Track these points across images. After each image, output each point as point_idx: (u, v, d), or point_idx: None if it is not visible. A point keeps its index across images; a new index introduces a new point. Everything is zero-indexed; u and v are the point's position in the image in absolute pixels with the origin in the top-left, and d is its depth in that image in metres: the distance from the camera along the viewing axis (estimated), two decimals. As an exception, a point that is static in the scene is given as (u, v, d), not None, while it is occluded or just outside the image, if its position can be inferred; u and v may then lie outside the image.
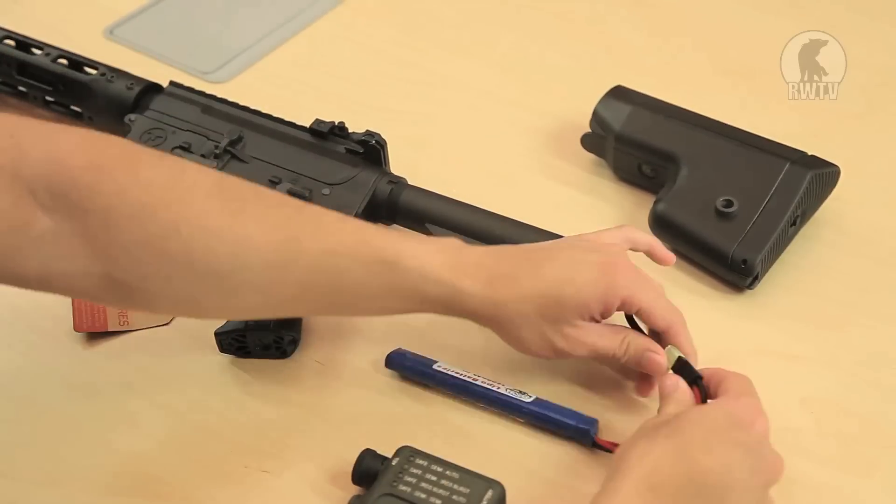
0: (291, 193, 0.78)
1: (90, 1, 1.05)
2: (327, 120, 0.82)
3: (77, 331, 0.75)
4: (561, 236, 0.76)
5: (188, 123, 0.84)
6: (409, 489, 0.63)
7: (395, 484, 0.63)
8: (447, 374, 0.72)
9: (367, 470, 0.65)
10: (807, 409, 0.72)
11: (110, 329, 0.75)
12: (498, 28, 1.03)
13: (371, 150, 0.81)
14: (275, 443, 0.70)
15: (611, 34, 1.02)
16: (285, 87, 0.97)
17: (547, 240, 0.74)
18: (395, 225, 0.81)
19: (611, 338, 0.68)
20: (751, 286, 0.78)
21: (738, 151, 0.81)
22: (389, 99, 0.96)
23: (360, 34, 1.03)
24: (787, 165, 0.80)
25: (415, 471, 0.64)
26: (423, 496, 0.62)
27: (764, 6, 1.04)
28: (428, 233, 0.79)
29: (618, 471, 0.58)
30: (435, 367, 0.72)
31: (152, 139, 0.83)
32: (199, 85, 0.89)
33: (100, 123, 0.89)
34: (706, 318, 0.77)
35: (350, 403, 0.73)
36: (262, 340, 0.74)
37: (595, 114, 0.86)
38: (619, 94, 0.86)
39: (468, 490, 0.63)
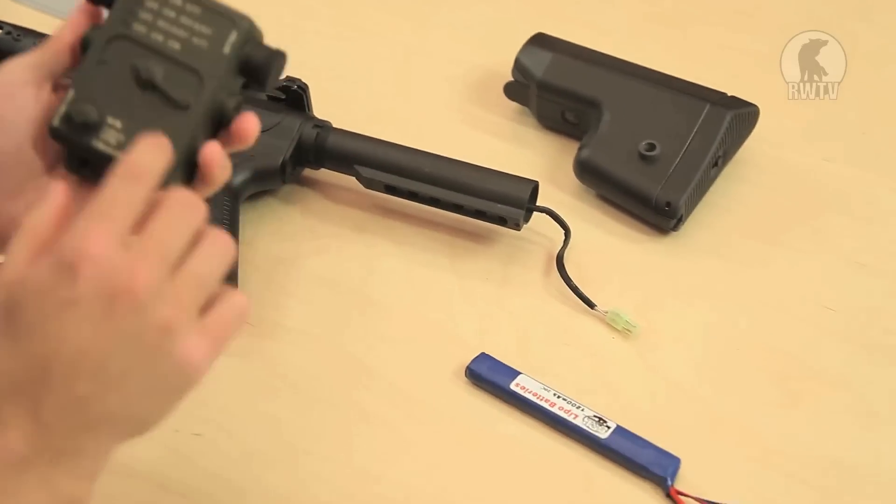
0: None
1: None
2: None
3: None
4: (493, 171, 0.78)
5: None
6: (144, 29, 0.54)
7: (128, 21, 0.54)
8: (524, 395, 0.70)
9: None
10: (731, 346, 0.74)
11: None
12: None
13: (293, 95, 0.81)
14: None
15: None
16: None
17: (477, 173, 0.77)
18: (323, 169, 0.81)
19: None
20: (675, 228, 0.79)
21: (660, 95, 0.82)
22: (308, 51, 0.94)
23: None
24: (708, 107, 0.81)
25: (151, 4, 0.54)
26: (159, 38, 0.53)
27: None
28: (357, 175, 0.79)
29: None
30: (513, 384, 0.70)
31: None
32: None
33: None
34: (633, 261, 0.79)
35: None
36: None
37: (517, 62, 0.86)
38: (540, 41, 0.86)
39: (210, 30, 0.54)
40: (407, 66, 0.93)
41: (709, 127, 0.80)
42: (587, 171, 0.81)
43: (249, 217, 0.80)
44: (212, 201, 0.76)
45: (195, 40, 0.53)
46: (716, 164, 0.80)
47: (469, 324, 0.75)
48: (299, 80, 0.81)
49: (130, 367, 0.46)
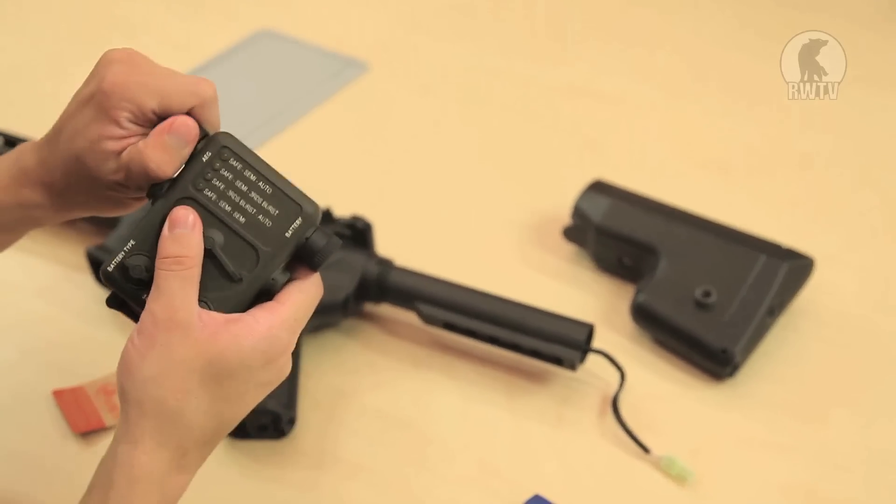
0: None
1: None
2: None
3: (76, 432, 0.76)
4: (550, 313, 0.79)
5: None
6: (213, 196, 0.56)
7: (199, 186, 0.56)
8: None
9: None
10: (787, 498, 0.73)
11: (107, 425, 0.76)
12: (485, 125, 1.06)
13: (357, 234, 0.84)
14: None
15: (591, 131, 1.05)
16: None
17: (534, 314, 0.79)
18: (384, 304, 0.84)
19: None
20: (731, 375, 0.80)
21: (716, 244, 0.84)
22: (373, 190, 0.98)
23: (346, 131, 1.05)
24: (763, 258, 0.82)
25: (226, 173, 0.56)
26: (227, 208, 0.56)
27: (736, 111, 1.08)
28: (418, 311, 0.81)
29: (147, 422, 0.54)
30: None
31: None
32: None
33: (89, 217, 0.90)
34: (688, 407, 0.79)
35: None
36: (259, 421, 0.74)
37: (576, 207, 0.88)
38: (599, 187, 0.89)
39: (277, 211, 0.56)
40: (468, 207, 0.96)
41: (764, 277, 0.81)
42: (643, 316, 0.83)
43: (311, 349, 0.82)
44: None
45: (261, 218, 0.56)
46: (771, 313, 0.81)
47: (523, 464, 0.76)
48: (364, 218, 0.84)
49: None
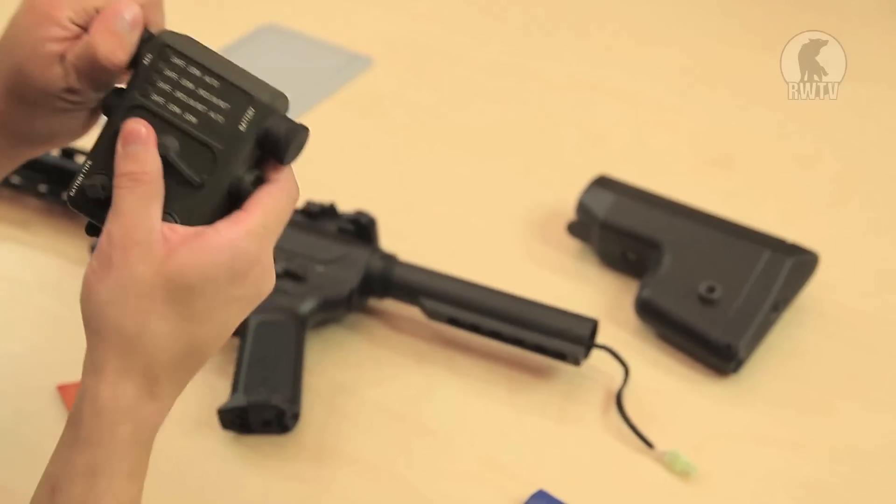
0: (287, 272, 0.81)
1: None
2: (319, 200, 0.85)
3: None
4: (554, 308, 0.79)
5: None
6: (161, 99, 0.52)
7: (146, 92, 0.53)
8: None
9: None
10: (791, 493, 0.73)
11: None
12: (489, 120, 1.06)
13: (361, 229, 0.84)
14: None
15: (595, 127, 1.05)
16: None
17: (538, 309, 0.78)
18: (387, 299, 0.84)
19: None
20: (735, 370, 0.80)
21: (720, 239, 0.84)
22: (376, 185, 0.98)
23: (350, 127, 1.05)
24: (767, 253, 0.82)
25: (170, 73, 0.52)
26: (177, 110, 0.52)
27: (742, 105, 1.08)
28: (422, 306, 0.81)
29: (107, 351, 0.51)
30: None
31: None
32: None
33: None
34: (692, 402, 0.79)
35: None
36: (263, 416, 0.75)
37: (580, 202, 0.88)
38: (603, 182, 0.89)
39: (228, 105, 0.52)
40: (473, 202, 0.96)
41: (768, 273, 0.81)
42: (648, 311, 0.82)
43: (315, 344, 0.82)
44: (279, 329, 0.79)
45: (212, 115, 0.52)
46: (775, 308, 0.81)
47: (527, 459, 0.76)
48: (368, 213, 0.85)
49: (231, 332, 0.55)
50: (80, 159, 0.90)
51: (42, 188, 0.91)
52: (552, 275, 0.89)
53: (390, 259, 0.83)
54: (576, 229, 0.89)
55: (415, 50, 1.13)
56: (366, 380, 0.81)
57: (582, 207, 0.88)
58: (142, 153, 0.52)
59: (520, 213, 0.94)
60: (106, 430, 0.51)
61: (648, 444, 0.76)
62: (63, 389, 0.78)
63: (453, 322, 0.82)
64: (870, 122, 1.03)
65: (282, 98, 0.54)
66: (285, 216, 0.54)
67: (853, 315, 0.85)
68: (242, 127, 0.52)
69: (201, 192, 0.52)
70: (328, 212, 0.85)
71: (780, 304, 0.82)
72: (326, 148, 1.03)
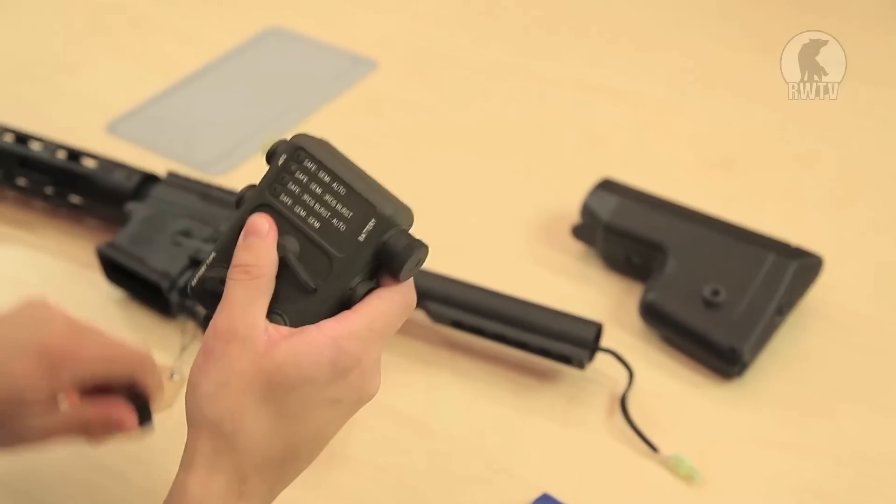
0: None
1: (92, 98, 1.07)
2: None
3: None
4: (558, 312, 0.79)
5: (188, 210, 0.86)
6: (289, 201, 0.53)
7: (275, 191, 0.53)
8: None
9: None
10: (796, 497, 0.73)
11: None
12: (494, 122, 1.06)
13: None
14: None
15: (599, 129, 1.05)
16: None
17: (543, 313, 0.78)
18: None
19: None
20: (739, 374, 0.80)
21: (724, 242, 0.84)
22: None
23: (354, 129, 1.06)
24: (772, 257, 0.82)
25: (301, 176, 0.52)
26: (302, 213, 0.52)
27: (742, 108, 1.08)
28: (426, 309, 0.81)
29: (202, 444, 0.50)
30: None
31: (152, 226, 0.85)
32: (198, 177, 0.91)
33: (99, 213, 0.91)
34: (696, 406, 0.79)
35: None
36: None
37: (584, 205, 0.88)
38: (607, 186, 0.89)
39: (351, 213, 0.52)
40: (477, 205, 0.96)
41: (773, 276, 0.81)
42: (652, 314, 0.83)
43: (320, 347, 0.82)
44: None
45: (335, 221, 0.52)
46: (780, 311, 0.81)
47: (531, 462, 0.76)
48: (373, 216, 0.85)
49: (335, 435, 0.54)
50: (88, 162, 0.90)
51: (48, 190, 0.91)
52: (556, 278, 0.89)
53: (395, 262, 0.83)
54: (580, 232, 0.89)
55: (419, 53, 1.13)
56: (370, 383, 0.81)
57: (586, 210, 0.88)
58: (259, 247, 0.52)
59: (524, 216, 0.94)
60: None
61: (653, 448, 0.76)
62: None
63: (457, 325, 0.82)
64: (871, 122, 1.04)
65: (405, 212, 0.54)
66: (395, 322, 0.53)
67: (858, 318, 0.85)
68: (362, 238, 0.52)
69: (314, 298, 0.52)
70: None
71: (785, 308, 0.82)
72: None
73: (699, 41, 1.15)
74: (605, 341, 0.81)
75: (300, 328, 0.51)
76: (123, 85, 1.08)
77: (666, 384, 0.81)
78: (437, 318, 0.82)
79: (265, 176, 0.54)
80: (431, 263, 0.84)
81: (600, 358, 0.80)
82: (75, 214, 0.92)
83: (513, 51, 1.13)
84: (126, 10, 1.19)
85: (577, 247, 0.91)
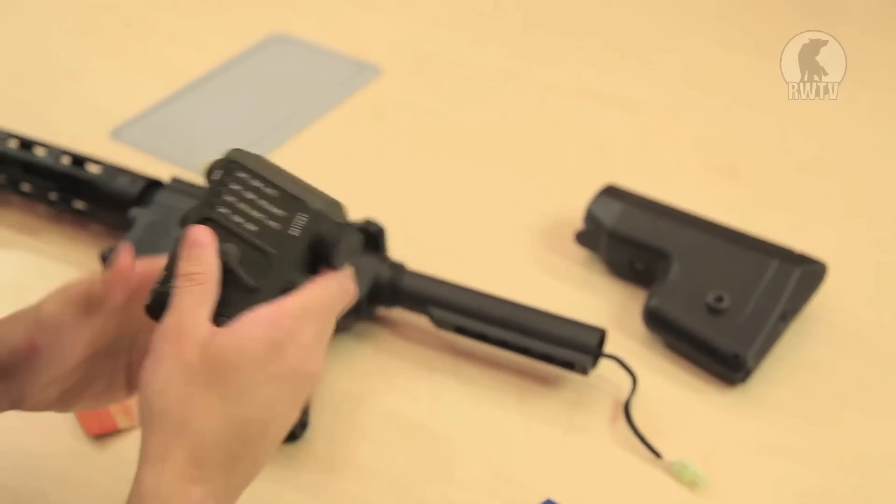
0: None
1: (96, 103, 1.07)
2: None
3: (88, 434, 0.76)
4: (562, 317, 0.79)
5: None
6: (227, 211, 0.56)
7: (214, 205, 0.57)
8: None
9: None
10: None
11: (120, 427, 0.76)
12: (497, 129, 1.06)
13: (370, 237, 0.84)
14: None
15: (604, 135, 1.05)
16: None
17: (546, 318, 0.79)
18: (396, 308, 0.84)
19: None
20: (743, 380, 0.80)
21: (728, 248, 0.84)
22: (385, 193, 0.98)
23: (358, 135, 1.06)
24: (776, 263, 0.82)
25: (235, 187, 0.56)
26: (239, 220, 0.56)
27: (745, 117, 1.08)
28: (430, 315, 0.81)
29: (154, 438, 0.52)
30: None
31: (156, 232, 0.85)
32: (202, 183, 0.91)
33: (103, 219, 0.91)
34: (700, 412, 0.79)
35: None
36: None
37: (588, 211, 0.88)
38: (611, 192, 0.89)
39: (284, 213, 0.56)
40: (481, 211, 0.96)
41: (777, 283, 0.81)
42: (655, 321, 0.82)
43: (323, 353, 0.82)
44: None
45: (270, 223, 0.56)
46: (784, 318, 0.81)
47: (534, 468, 0.76)
48: (376, 222, 0.85)
49: (286, 422, 0.55)
50: (92, 167, 0.91)
51: (52, 196, 0.91)
52: (560, 283, 0.89)
53: (399, 268, 0.83)
54: (584, 238, 0.89)
55: (423, 58, 1.13)
56: (375, 389, 0.81)
57: (590, 216, 0.88)
58: (200, 255, 0.55)
59: (528, 222, 0.94)
60: None
61: (656, 454, 0.76)
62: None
63: (461, 331, 0.82)
64: (874, 127, 1.04)
65: (335, 206, 0.57)
66: (330, 304, 0.56)
67: (862, 324, 0.85)
68: (296, 233, 0.55)
69: (257, 296, 0.55)
70: (336, 220, 0.86)
71: (789, 314, 0.82)
72: (335, 157, 1.03)
73: (700, 45, 1.15)
74: (609, 347, 0.81)
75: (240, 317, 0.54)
76: (127, 90, 1.09)
77: (669, 390, 0.81)
78: (440, 323, 0.82)
79: (205, 193, 0.57)
80: (435, 268, 0.85)
81: (604, 364, 0.80)
82: (79, 220, 0.92)
83: (516, 57, 1.13)
84: (131, 17, 1.19)
85: (581, 253, 0.91)
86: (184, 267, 0.55)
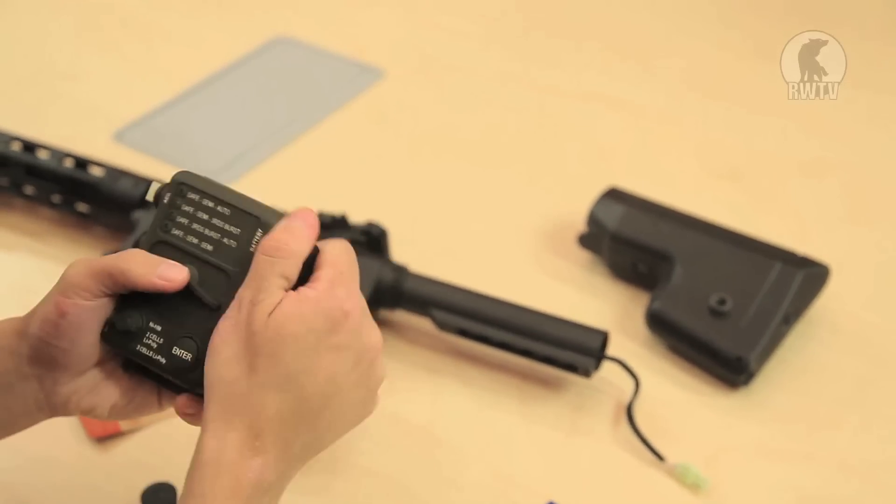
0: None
1: (99, 106, 1.07)
2: (330, 211, 0.85)
3: (92, 437, 0.76)
4: (564, 320, 0.79)
5: None
6: (181, 233, 0.57)
7: (167, 228, 0.57)
8: None
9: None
10: (804, 506, 0.73)
11: (123, 430, 0.76)
12: (500, 131, 1.06)
13: (373, 240, 0.84)
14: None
15: (606, 138, 1.05)
16: (289, 184, 0.99)
17: (549, 321, 0.79)
18: (398, 310, 0.84)
19: None
20: (745, 383, 0.80)
21: (731, 251, 0.84)
22: (387, 196, 0.98)
23: (361, 138, 1.06)
24: (779, 266, 0.82)
25: (187, 208, 0.57)
26: (194, 241, 0.56)
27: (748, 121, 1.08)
28: (432, 317, 0.81)
29: (217, 406, 0.53)
30: None
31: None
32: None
33: (106, 221, 0.91)
34: (703, 415, 0.79)
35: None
36: None
37: (591, 214, 0.88)
38: (614, 195, 0.89)
39: (239, 230, 0.56)
40: (484, 214, 0.96)
41: (779, 285, 0.81)
42: (658, 323, 0.82)
43: (326, 355, 0.82)
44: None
45: (226, 241, 0.56)
46: (786, 321, 0.81)
47: (537, 471, 0.76)
48: (379, 224, 0.85)
49: (354, 398, 0.56)
50: (95, 170, 0.91)
51: (55, 199, 0.91)
52: (562, 286, 0.89)
53: (401, 270, 0.83)
54: (586, 241, 0.89)
55: (426, 62, 1.14)
56: (377, 391, 0.81)
57: (593, 219, 0.88)
58: (295, 230, 0.56)
59: (530, 224, 0.94)
60: (207, 482, 0.52)
61: (659, 457, 0.76)
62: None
63: (464, 333, 0.82)
64: (875, 129, 1.04)
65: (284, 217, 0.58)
66: (351, 263, 0.57)
67: (865, 327, 0.85)
68: (252, 248, 0.56)
69: (219, 314, 0.55)
70: (339, 223, 0.85)
71: (792, 317, 0.82)
72: (338, 159, 1.03)
73: (700, 48, 1.15)
74: (612, 350, 0.81)
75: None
76: (129, 93, 1.09)
77: (672, 393, 0.81)
78: (442, 326, 0.82)
79: (155, 216, 0.57)
80: (437, 271, 0.85)
81: (606, 367, 0.80)
82: (82, 223, 0.92)
83: (519, 60, 1.14)
84: (134, 20, 1.19)
85: (584, 255, 0.91)
86: (272, 239, 0.55)
